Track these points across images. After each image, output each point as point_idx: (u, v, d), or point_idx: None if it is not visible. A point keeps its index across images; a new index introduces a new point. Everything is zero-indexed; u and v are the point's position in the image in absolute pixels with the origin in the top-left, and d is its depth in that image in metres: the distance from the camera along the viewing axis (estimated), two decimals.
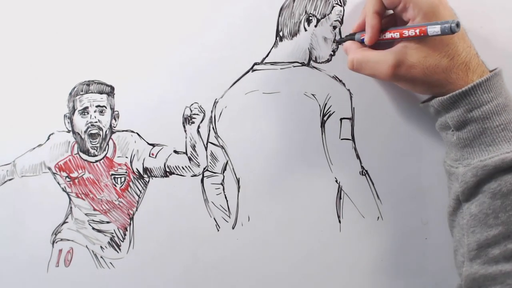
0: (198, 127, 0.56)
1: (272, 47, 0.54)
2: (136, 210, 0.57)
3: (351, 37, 0.51)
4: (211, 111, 0.56)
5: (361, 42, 0.49)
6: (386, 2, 0.45)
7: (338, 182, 0.54)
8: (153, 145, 0.57)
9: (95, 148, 0.57)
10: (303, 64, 0.54)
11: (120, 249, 0.57)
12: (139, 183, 0.57)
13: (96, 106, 0.57)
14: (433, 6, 0.42)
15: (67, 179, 0.58)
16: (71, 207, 0.58)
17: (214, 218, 0.56)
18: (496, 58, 0.50)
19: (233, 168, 0.55)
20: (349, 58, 0.48)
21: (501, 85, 0.43)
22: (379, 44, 0.47)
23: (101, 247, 0.57)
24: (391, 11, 0.48)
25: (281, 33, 0.54)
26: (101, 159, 0.58)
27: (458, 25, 0.39)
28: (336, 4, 0.53)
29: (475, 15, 0.51)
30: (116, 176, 0.57)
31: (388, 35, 0.45)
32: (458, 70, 0.43)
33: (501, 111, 0.42)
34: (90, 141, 0.57)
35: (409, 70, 0.43)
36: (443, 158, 0.49)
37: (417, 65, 0.43)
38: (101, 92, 0.57)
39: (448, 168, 0.47)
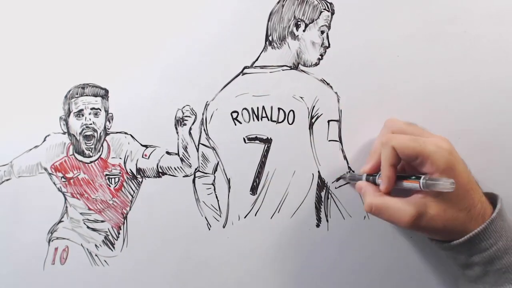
0: (190, 129, 0.57)
1: (262, 51, 0.55)
2: (130, 209, 0.58)
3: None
4: (202, 113, 0.57)
5: (374, 183, 0.48)
6: (403, 157, 0.44)
7: (325, 182, 0.55)
8: (146, 146, 0.58)
9: (90, 149, 0.59)
10: (291, 68, 0.55)
11: (114, 248, 0.58)
12: (132, 183, 0.58)
13: (91, 109, 0.58)
14: (450, 163, 0.42)
15: (63, 180, 0.59)
16: (66, 207, 0.59)
17: (205, 217, 0.57)
18: (479, 62, 0.52)
19: (223, 169, 0.56)
20: (366, 202, 0.47)
21: (501, 226, 0.43)
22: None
23: (95, 245, 0.58)
24: None
25: (270, 38, 0.55)
26: (95, 160, 0.59)
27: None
28: (324, 9, 0.54)
29: (459, 19, 0.52)
30: (110, 176, 0.58)
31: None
32: (475, 222, 0.43)
33: (503, 254, 0.42)
34: (85, 143, 0.58)
35: (429, 221, 0.43)
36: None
37: (437, 218, 0.43)
38: (95, 95, 0.58)
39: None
